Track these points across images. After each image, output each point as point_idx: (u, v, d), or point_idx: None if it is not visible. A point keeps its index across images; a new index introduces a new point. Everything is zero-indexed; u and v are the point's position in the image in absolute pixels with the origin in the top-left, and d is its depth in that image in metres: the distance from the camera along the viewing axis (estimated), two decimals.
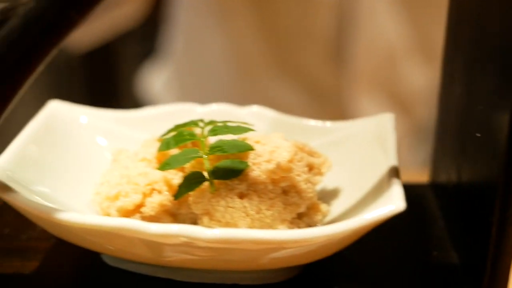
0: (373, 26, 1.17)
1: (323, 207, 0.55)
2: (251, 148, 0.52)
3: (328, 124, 0.62)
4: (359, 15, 1.16)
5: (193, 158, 0.52)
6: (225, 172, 0.51)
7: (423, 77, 1.20)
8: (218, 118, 0.58)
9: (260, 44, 1.21)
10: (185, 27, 1.28)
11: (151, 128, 0.62)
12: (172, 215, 0.53)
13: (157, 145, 0.56)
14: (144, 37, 1.68)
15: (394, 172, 0.51)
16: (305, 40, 1.19)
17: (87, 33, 1.35)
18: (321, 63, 1.20)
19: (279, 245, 0.46)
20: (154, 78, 1.38)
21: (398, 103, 1.22)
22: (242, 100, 0.66)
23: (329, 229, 0.46)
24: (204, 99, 0.69)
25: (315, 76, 1.21)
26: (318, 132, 0.62)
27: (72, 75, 1.68)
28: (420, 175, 0.71)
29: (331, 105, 1.22)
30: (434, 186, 0.66)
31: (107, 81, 1.74)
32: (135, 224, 0.46)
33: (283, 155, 0.52)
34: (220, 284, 0.52)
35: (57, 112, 0.62)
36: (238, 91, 1.24)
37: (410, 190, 0.66)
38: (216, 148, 0.52)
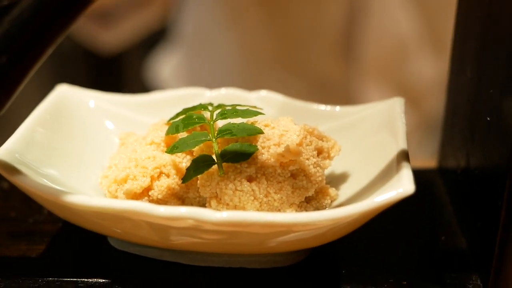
0: (383, 18, 1.16)
1: (331, 191, 0.54)
2: (260, 132, 0.52)
3: (337, 108, 0.62)
4: (369, 7, 1.15)
5: (202, 141, 0.52)
6: (234, 155, 0.51)
7: (433, 69, 1.20)
8: (227, 102, 0.58)
9: (269, 33, 1.20)
10: (195, 13, 1.27)
11: (159, 112, 0.62)
12: (180, 198, 0.53)
13: (165, 128, 0.56)
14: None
15: (404, 156, 0.51)
16: (315, 30, 1.18)
17: (117, 36, 1.36)
18: (330, 55, 1.19)
19: (287, 228, 0.46)
20: (163, 64, 1.38)
21: (407, 95, 1.20)
22: (250, 89, 0.66)
23: (337, 212, 0.46)
24: (212, 87, 0.69)
25: (324, 67, 1.21)
26: (327, 117, 0.61)
27: (78, 60, 1.67)
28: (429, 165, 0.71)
29: (339, 97, 1.22)
30: (442, 171, 0.66)
31: (114, 67, 1.73)
32: (143, 206, 0.46)
33: (292, 139, 0.52)
34: (227, 268, 0.52)
35: (66, 96, 0.62)
36: (246, 80, 1.24)
37: (418, 176, 0.66)
38: (225, 132, 0.52)
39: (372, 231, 0.55)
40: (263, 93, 0.64)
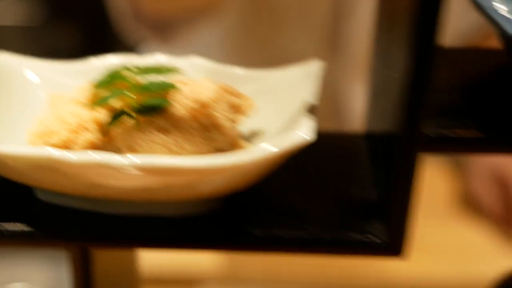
0: (368, 12, 1.18)
1: (243, 144, 0.57)
2: (173, 87, 0.55)
3: (259, 71, 0.64)
4: (355, 1, 1.17)
5: (119, 96, 0.55)
6: (148, 109, 0.54)
7: None
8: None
9: (255, 26, 1.22)
10: None
11: (91, 77, 0.64)
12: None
13: (91, 89, 0.58)
14: None
15: (311, 110, 0.54)
16: (300, 23, 1.20)
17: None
18: (315, 47, 1.21)
19: (191, 171, 0.48)
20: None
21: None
22: None
23: (238, 156, 0.49)
24: None
25: (308, 60, 1.22)
26: (249, 79, 0.64)
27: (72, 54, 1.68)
28: None
29: (324, 89, 1.23)
30: (367, 136, 0.69)
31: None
32: (55, 153, 0.49)
33: (205, 94, 0.55)
34: (144, 216, 0.55)
35: (2, 63, 0.65)
36: None
37: (345, 140, 0.69)
38: (141, 87, 0.55)
39: (286, 184, 0.58)
40: (193, 59, 0.66)
